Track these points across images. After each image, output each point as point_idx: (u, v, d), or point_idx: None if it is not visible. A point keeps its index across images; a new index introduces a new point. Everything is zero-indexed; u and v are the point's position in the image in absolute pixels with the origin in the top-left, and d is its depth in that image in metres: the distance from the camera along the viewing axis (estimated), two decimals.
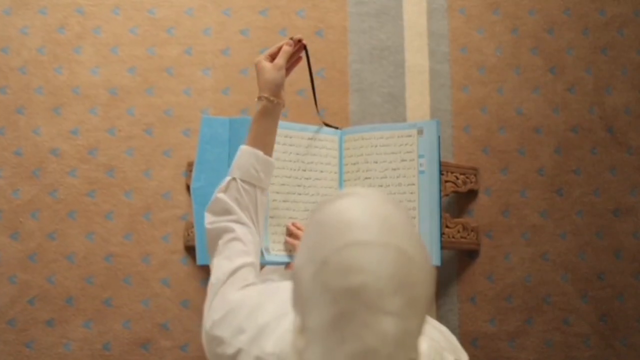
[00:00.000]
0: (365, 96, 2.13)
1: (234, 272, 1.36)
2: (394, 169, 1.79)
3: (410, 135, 1.79)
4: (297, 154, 1.82)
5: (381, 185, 1.79)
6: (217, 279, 1.37)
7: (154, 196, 2.08)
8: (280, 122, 1.81)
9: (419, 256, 0.97)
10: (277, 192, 1.78)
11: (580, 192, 2.09)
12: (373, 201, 1.01)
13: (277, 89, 1.52)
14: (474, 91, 2.13)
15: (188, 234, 2.03)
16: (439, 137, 1.77)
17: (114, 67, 2.13)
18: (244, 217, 1.44)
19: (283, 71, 1.53)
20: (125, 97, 2.12)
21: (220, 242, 1.43)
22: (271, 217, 1.76)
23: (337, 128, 1.89)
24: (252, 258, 1.40)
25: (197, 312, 2.02)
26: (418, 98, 2.12)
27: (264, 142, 1.51)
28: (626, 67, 2.13)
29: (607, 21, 2.14)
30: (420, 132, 1.78)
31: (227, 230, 1.43)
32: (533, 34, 2.15)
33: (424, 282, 0.96)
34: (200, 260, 1.79)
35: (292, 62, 1.61)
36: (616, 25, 2.14)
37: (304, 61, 1.64)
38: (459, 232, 2.00)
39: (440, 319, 2.03)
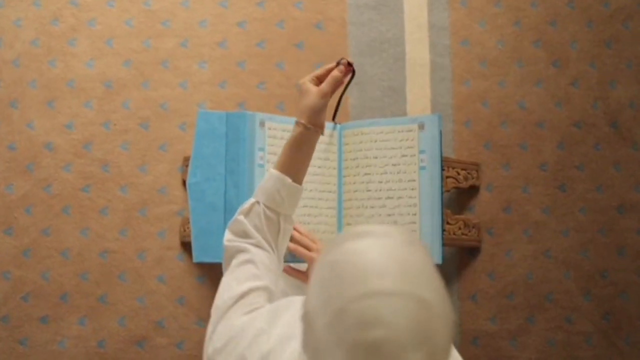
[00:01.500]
0: (364, 89, 2.10)
1: (242, 296, 1.31)
2: (394, 165, 1.75)
3: (410, 130, 1.75)
4: None
5: (381, 182, 1.76)
6: (224, 302, 1.32)
7: (150, 191, 2.06)
8: (278, 116, 1.79)
9: (439, 305, 0.92)
10: None
11: (583, 188, 2.06)
12: (392, 243, 0.95)
13: (317, 115, 1.45)
14: (475, 85, 2.10)
15: (184, 230, 2.00)
16: (441, 131, 1.74)
17: (109, 60, 2.10)
18: (263, 241, 1.40)
19: (327, 99, 1.47)
20: (120, 91, 2.08)
21: (234, 261, 1.38)
22: None
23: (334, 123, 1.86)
24: (264, 282, 1.35)
25: (193, 309, 2.00)
26: (418, 92, 2.09)
27: (295, 168, 1.45)
28: (631, 60, 2.09)
29: (612, 14, 2.11)
30: (421, 126, 1.75)
31: (242, 251, 1.38)
32: (536, 27, 2.11)
33: (444, 333, 0.92)
34: (196, 258, 1.76)
35: (337, 85, 1.54)
36: (621, 17, 2.11)
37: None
38: (460, 228, 1.97)
39: None
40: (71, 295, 2.02)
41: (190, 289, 2.03)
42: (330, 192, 1.81)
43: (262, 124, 1.76)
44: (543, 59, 2.10)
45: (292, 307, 1.15)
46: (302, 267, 1.66)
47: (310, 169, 1.77)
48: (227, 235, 1.42)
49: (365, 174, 1.77)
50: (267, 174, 1.45)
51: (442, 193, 1.74)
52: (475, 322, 2.02)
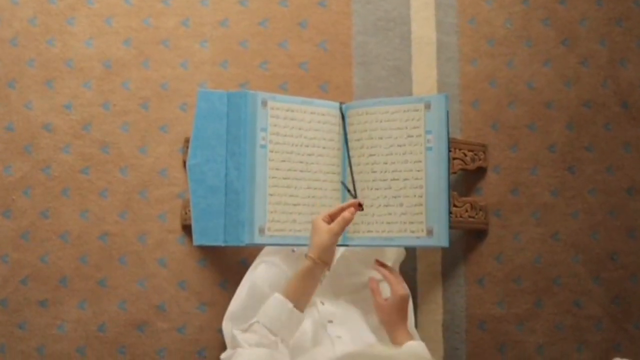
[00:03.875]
0: (369, 69, 2.07)
1: None
2: (400, 145, 1.71)
3: (417, 110, 1.71)
4: (300, 128, 1.75)
5: (386, 163, 1.71)
6: None
7: (150, 173, 2.03)
8: (280, 96, 1.76)
9: None
10: (277, 169, 1.71)
11: (592, 170, 2.02)
12: None
13: (325, 252, 1.53)
14: (482, 64, 2.06)
15: (185, 213, 1.97)
16: (447, 112, 1.69)
17: (108, 39, 2.06)
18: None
19: (337, 237, 1.55)
20: (120, 71, 2.05)
21: None
22: (270, 195, 1.70)
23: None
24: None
25: (195, 293, 1.98)
26: (425, 71, 2.06)
27: (299, 297, 1.52)
28: None
29: None
30: (427, 106, 1.70)
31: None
32: (544, 5, 2.07)
33: None
34: (196, 240, 1.72)
35: (347, 224, 1.61)
36: None
37: None
38: (466, 211, 1.94)
39: (447, 301, 1.99)
40: (71, 279, 1.99)
41: (191, 272, 2.00)
42: (334, 173, 1.77)
43: (264, 103, 1.72)
44: (552, 38, 2.06)
45: None
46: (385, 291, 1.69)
47: (314, 150, 1.75)
48: (226, 353, 1.49)
49: (370, 155, 1.73)
50: (272, 299, 1.51)
51: (448, 174, 1.70)
52: (482, 307, 1.99)
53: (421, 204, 1.66)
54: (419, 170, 1.68)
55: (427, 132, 1.69)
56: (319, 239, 1.53)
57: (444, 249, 2.00)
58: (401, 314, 1.61)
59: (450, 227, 1.76)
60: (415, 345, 1.57)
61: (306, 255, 1.54)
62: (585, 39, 2.06)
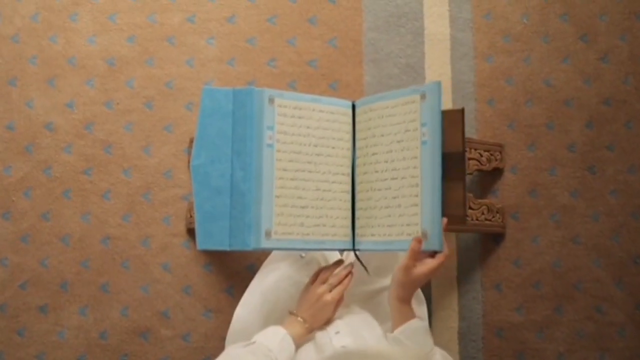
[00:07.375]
0: (381, 67, 2.02)
1: None
2: (399, 142, 1.60)
3: (413, 102, 1.61)
4: (308, 127, 1.68)
5: (387, 161, 1.61)
6: None
7: (154, 174, 1.98)
8: (288, 93, 1.69)
9: None
10: (285, 170, 1.65)
11: (613, 170, 1.96)
12: None
13: (320, 321, 1.56)
14: (498, 61, 2.01)
15: (190, 216, 1.92)
16: (441, 100, 1.56)
17: (111, 36, 2.03)
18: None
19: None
20: (123, 68, 2.01)
21: None
22: (277, 197, 1.63)
23: None
24: None
25: (200, 299, 1.94)
26: (438, 69, 2.01)
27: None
28: None
29: None
30: (423, 97, 1.60)
31: None
32: None
33: None
34: (200, 245, 1.66)
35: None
36: None
37: None
38: (483, 214, 1.87)
39: (463, 307, 1.94)
40: (72, 284, 1.96)
41: (196, 277, 1.96)
42: (343, 174, 1.70)
43: (271, 100, 1.66)
44: (570, 33, 2.00)
45: None
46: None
47: (323, 150, 1.68)
48: None
49: (373, 154, 1.65)
50: (268, 328, 1.52)
51: (441, 170, 1.57)
52: (499, 313, 1.94)
53: (417, 204, 1.54)
54: (415, 167, 1.56)
55: (422, 124, 1.57)
56: (326, 313, 1.55)
57: (459, 253, 1.94)
58: (417, 287, 1.53)
59: (466, 231, 1.69)
60: (419, 326, 1.50)
61: (304, 320, 1.53)
62: (605, 34, 2.00)
